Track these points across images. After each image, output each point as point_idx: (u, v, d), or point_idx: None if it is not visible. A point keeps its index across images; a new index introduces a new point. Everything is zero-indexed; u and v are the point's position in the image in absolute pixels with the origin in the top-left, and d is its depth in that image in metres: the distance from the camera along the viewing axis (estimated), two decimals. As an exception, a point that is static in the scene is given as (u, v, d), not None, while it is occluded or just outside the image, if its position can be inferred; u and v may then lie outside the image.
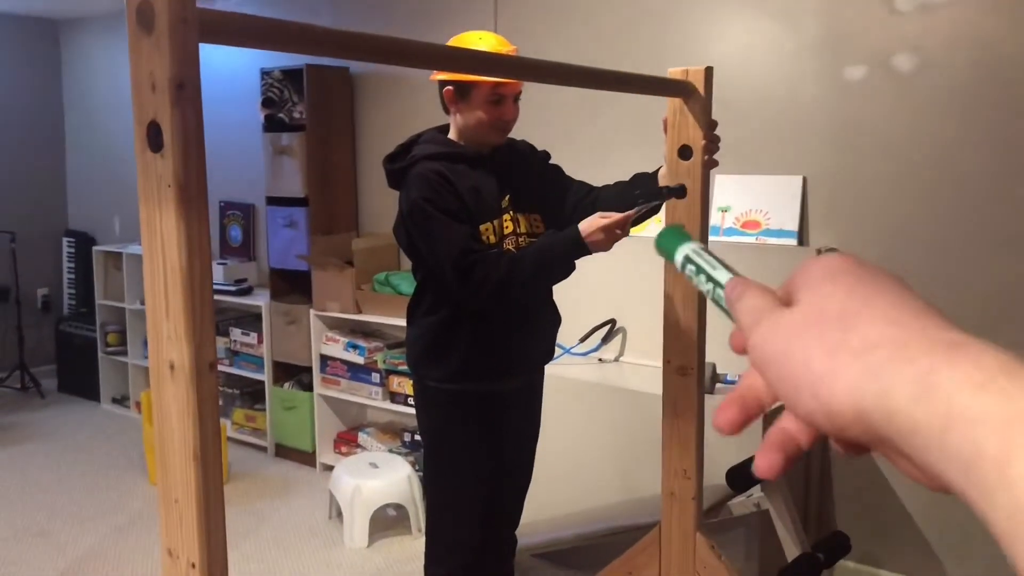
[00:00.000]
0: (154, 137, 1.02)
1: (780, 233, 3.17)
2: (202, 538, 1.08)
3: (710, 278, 0.52)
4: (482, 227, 2.17)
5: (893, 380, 0.35)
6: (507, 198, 2.25)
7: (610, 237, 2.01)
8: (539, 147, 2.44)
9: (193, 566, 1.09)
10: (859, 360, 0.36)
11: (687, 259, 0.56)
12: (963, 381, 0.33)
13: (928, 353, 0.35)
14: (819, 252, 3.03)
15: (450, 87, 2.20)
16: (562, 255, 2.07)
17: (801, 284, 0.43)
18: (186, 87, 1.00)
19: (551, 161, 2.44)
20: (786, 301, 0.44)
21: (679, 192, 1.99)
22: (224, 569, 1.11)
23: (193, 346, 1.04)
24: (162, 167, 1.02)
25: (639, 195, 2.08)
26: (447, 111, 2.27)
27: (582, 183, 2.36)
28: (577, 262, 2.09)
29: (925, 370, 0.34)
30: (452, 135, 2.27)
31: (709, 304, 2.10)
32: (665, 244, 0.60)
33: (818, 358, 0.38)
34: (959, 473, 0.32)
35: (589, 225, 2.02)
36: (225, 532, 1.11)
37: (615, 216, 2.00)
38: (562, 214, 2.32)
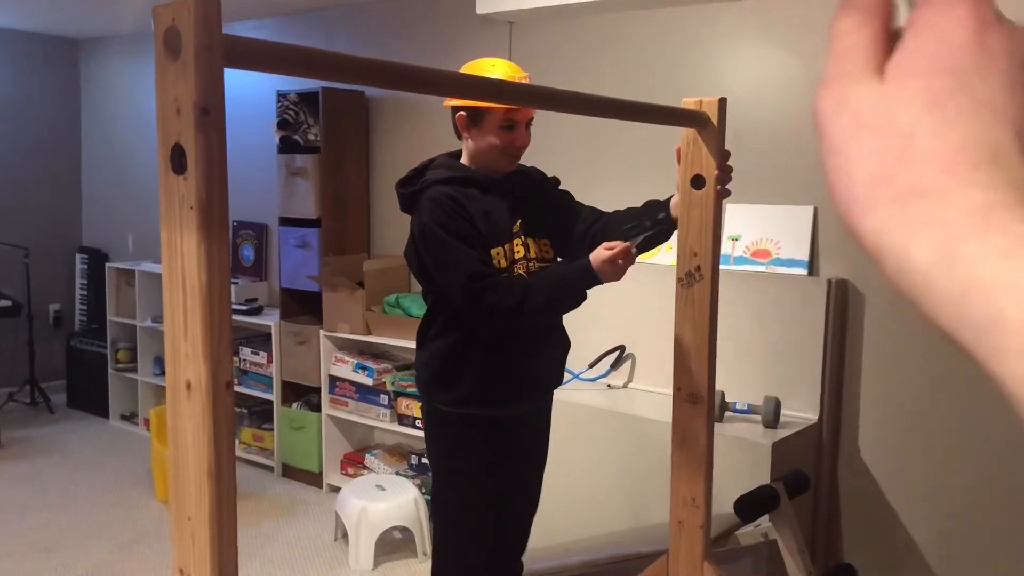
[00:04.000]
0: (178, 160, 1.04)
1: (791, 263, 3.18)
2: (214, 557, 1.09)
3: None
4: (493, 251, 2.19)
5: (919, 241, 0.34)
6: (518, 223, 2.27)
7: (617, 267, 2.04)
8: (550, 173, 2.46)
9: (204, 585, 1.10)
10: (896, 204, 0.35)
11: None
12: (988, 250, 0.32)
13: (965, 218, 0.33)
14: (830, 283, 3.04)
15: (462, 113, 2.22)
16: (575, 285, 2.09)
17: (905, 53, 0.37)
18: (210, 112, 1.02)
19: (561, 187, 2.45)
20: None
21: (665, 223, 2.10)
22: (235, 588, 1.12)
23: (210, 366, 1.05)
24: (185, 189, 1.04)
25: (629, 229, 2.13)
26: (459, 136, 2.30)
27: (592, 209, 2.38)
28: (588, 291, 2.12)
29: (953, 237, 0.33)
30: (464, 160, 2.29)
31: (719, 332, 2.08)
32: None
33: (861, 180, 0.36)
34: (972, 337, 0.32)
35: (597, 256, 2.05)
36: (237, 552, 1.12)
37: (618, 246, 2.03)
38: (572, 240, 2.33)
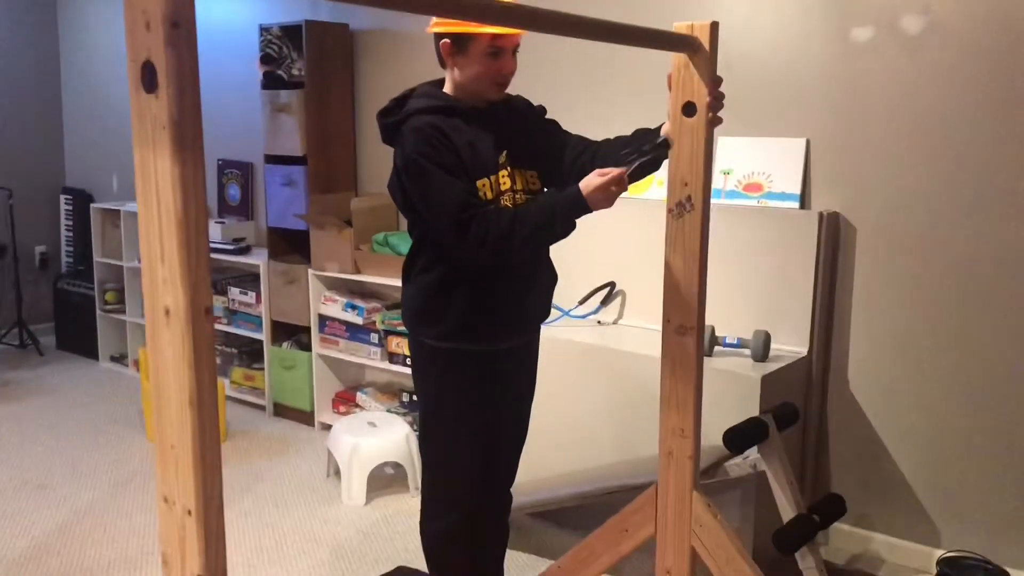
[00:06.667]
0: (148, 77, 1.00)
1: (782, 196, 3.15)
2: (198, 484, 1.08)
3: None
4: (479, 183, 2.14)
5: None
6: (504, 154, 2.22)
7: (609, 194, 2.00)
8: (537, 102, 2.41)
9: (189, 513, 1.09)
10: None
11: None
12: None
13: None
14: (821, 216, 3.01)
15: (447, 40, 2.15)
16: (564, 213, 2.05)
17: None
18: (181, 25, 0.98)
19: (548, 116, 2.40)
20: None
21: (663, 147, 2.02)
22: (220, 515, 1.11)
23: (188, 290, 1.03)
24: (156, 108, 1.00)
25: (626, 154, 2.08)
26: (443, 65, 2.23)
27: (580, 138, 2.33)
28: (577, 224, 2.08)
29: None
30: (447, 90, 2.23)
31: (709, 266, 2.07)
32: None
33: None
34: None
35: (588, 183, 2.01)
36: (221, 478, 1.11)
37: (611, 172, 1.99)
38: (559, 170, 2.29)
